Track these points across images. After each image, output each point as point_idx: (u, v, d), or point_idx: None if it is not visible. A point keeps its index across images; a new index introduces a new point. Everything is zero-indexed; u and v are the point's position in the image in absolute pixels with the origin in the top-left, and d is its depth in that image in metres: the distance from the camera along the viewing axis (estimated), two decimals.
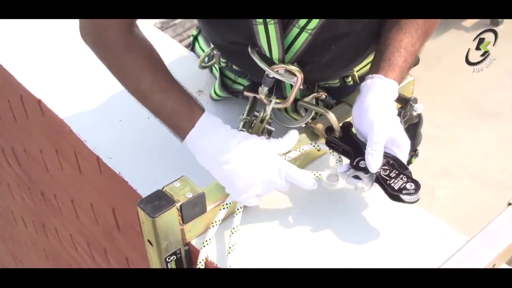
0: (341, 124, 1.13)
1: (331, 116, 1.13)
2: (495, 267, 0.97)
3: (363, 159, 1.05)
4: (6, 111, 1.75)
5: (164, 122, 1.11)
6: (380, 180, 1.04)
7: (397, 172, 1.04)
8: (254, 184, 1.05)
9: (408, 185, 1.02)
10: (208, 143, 1.06)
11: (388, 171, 1.04)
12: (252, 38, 1.08)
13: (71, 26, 1.61)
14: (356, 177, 1.06)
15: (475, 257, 0.95)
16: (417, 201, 1.03)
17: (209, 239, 1.06)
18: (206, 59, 1.38)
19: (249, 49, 1.11)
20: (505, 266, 1.00)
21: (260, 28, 1.06)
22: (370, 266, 1.02)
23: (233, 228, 1.07)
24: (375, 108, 1.05)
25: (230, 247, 1.05)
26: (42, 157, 1.69)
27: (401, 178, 1.03)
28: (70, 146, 1.41)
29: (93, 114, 1.39)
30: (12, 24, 1.67)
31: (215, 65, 1.35)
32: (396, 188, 1.02)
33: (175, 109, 1.08)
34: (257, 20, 1.04)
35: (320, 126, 1.16)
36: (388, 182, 1.03)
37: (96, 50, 1.13)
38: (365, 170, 1.05)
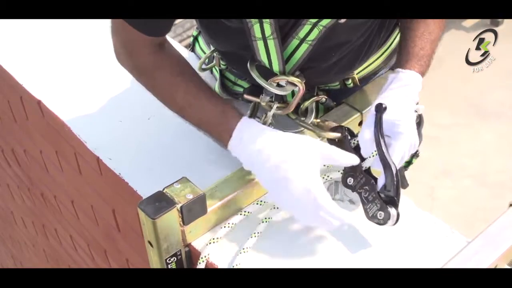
0: (340, 134, 1.12)
1: (329, 135, 1.13)
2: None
3: (352, 176, 1.05)
4: (6, 112, 1.75)
5: (206, 134, 1.12)
6: (361, 201, 1.04)
7: (374, 195, 1.03)
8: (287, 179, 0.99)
9: (378, 214, 1.01)
10: (247, 149, 1.04)
11: (367, 193, 1.03)
12: (251, 52, 1.08)
13: (71, 27, 1.62)
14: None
15: (477, 259, 0.95)
16: (394, 224, 1.02)
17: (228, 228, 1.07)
18: (207, 61, 1.37)
19: (248, 65, 1.11)
20: (507, 267, 0.99)
21: (260, 44, 1.06)
22: (369, 266, 1.01)
23: (254, 233, 1.06)
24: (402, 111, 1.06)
25: (243, 248, 1.04)
26: (42, 158, 1.69)
27: (376, 204, 1.02)
28: (70, 147, 1.41)
29: (93, 115, 1.39)
30: (12, 24, 1.67)
31: (215, 67, 1.35)
32: (370, 215, 1.02)
33: (212, 122, 1.08)
34: (256, 36, 1.04)
35: (328, 126, 1.16)
36: (365, 206, 1.03)
37: (132, 73, 1.16)
38: (352, 188, 1.05)
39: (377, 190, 1.02)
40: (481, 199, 2.92)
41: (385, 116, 1.02)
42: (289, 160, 0.99)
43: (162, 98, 1.14)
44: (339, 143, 1.11)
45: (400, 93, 1.07)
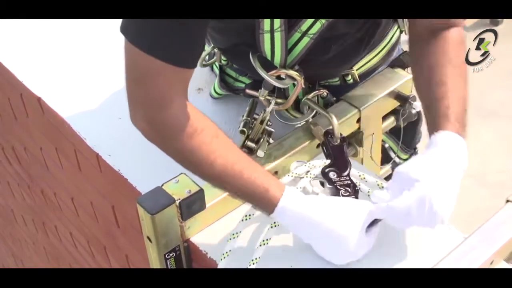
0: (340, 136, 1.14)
1: (334, 121, 1.13)
2: (493, 263, 0.97)
3: (334, 171, 1.06)
4: (6, 109, 1.75)
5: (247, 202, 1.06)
6: (335, 195, 1.04)
7: (354, 198, 1.04)
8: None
9: None
10: (294, 224, 1.00)
11: (348, 193, 1.04)
12: (255, 44, 1.08)
13: (71, 25, 1.63)
14: (322, 183, 1.07)
15: (474, 254, 0.95)
16: None
17: (229, 251, 1.02)
18: (207, 57, 1.38)
19: (251, 56, 1.11)
20: (503, 263, 1.00)
21: (266, 36, 1.06)
22: (369, 264, 1.02)
23: (263, 241, 1.02)
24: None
25: (254, 258, 1.01)
26: (42, 155, 1.70)
27: None
28: (70, 144, 1.42)
29: (92, 112, 1.39)
30: (12, 23, 1.67)
31: (216, 63, 1.35)
32: None
33: (253, 196, 1.00)
34: (265, 29, 1.05)
35: (319, 129, 1.17)
36: None
37: (164, 140, 1.04)
38: (330, 180, 1.05)
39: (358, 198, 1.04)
40: (481, 199, 2.92)
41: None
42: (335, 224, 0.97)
43: (196, 161, 1.01)
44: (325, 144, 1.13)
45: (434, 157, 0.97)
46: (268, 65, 1.11)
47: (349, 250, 0.98)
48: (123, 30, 0.97)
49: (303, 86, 1.15)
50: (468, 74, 1.08)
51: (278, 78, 1.12)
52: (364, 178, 1.08)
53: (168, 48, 0.95)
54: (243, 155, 1.03)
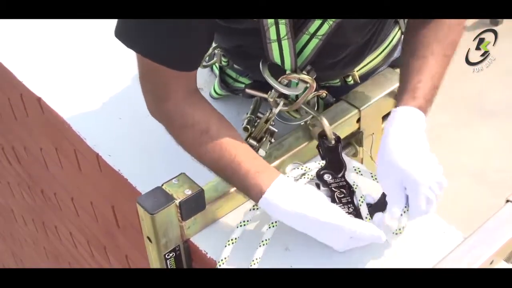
0: (334, 136, 1.14)
1: (325, 123, 1.14)
2: (493, 263, 0.97)
3: (329, 173, 1.06)
4: (6, 109, 1.75)
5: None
6: (331, 198, 1.04)
7: (349, 199, 1.04)
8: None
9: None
10: (278, 214, 1.01)
11: (343, 195, 1.04)
12: (258, 47, 1.08)
13: (71, 25, 1.63)
14: (318, 185, 1.07)
15: (473, 254, 0.95)
16: None
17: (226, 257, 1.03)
18: (207, 58, 1.38)
19: (261, 65, 1.11)
20: (503, 262, 1.00)
21: (274, 45, 1.06)
22: (369, 264, 1.02)
23: (262, 241, 1.03)
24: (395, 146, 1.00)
25: (254, 259, 1.02)
26: (42, 155, 1.70)
27: (349, 208, 1.03)
28: (70, 144, 1.42)
29: (92, 112, 1.39)
30: (12, 23, 1.67)
31: (216, 64, 1.35)
32: None
33: (243, 185, 1.03)
34: (271, 38, 1.05)
35: (316, 130, 1.17)
36: (335, 203, 1.03)
37: (164, 123, 1.12)
38: (325, 183, 1.05)
39: (353, 199, 1.04)
40: (480, 198, 2.92)
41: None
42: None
43: (192, 145, 1.08)
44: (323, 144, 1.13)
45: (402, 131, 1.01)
46: (279, 71, 1.11)
47: (339, 231, 0.98)
48: (119, 34, 1.03)
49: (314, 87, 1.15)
50: (453, 54, 1.09)
51: (287, 83, 1.12)
52: (359, 170, 1.08)
53: (162, 50, 1.01)
54: (233, 150, 1.04)
